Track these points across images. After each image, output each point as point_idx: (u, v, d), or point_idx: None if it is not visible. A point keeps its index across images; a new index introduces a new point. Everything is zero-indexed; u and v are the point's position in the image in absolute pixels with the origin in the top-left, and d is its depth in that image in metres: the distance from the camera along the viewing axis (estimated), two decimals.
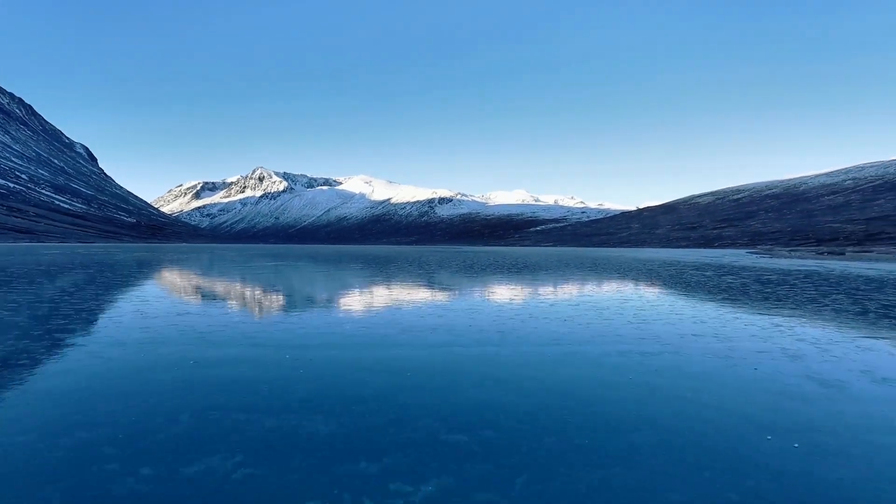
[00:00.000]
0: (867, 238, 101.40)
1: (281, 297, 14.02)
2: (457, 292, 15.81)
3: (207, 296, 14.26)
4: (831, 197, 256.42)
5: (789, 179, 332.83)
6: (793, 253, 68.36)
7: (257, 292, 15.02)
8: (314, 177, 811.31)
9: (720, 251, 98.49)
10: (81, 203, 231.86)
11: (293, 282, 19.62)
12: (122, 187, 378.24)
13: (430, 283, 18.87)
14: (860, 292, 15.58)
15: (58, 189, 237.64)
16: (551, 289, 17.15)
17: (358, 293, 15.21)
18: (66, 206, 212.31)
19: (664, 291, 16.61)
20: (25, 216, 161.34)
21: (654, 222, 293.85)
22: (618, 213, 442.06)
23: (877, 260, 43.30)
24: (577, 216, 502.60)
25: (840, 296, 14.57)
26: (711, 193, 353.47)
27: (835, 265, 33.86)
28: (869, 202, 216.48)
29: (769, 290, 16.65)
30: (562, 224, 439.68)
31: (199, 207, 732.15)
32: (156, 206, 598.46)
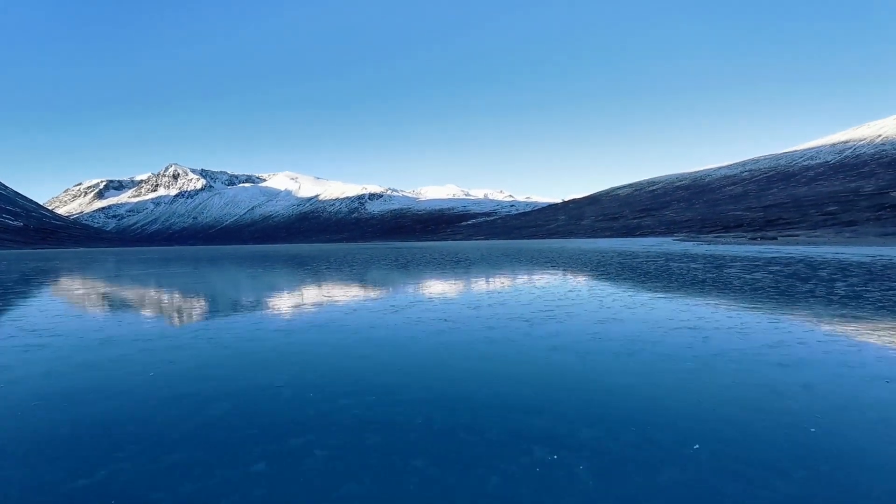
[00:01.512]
0: (767, 224, 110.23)
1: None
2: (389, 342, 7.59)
3: None
4: (732, 187, 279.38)
5: (696, 172, 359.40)
6: (719, 239, 71.03)
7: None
8: (235, 174, 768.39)
9: (651, 239, 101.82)
10: None
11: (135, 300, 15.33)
12: (7, 187, 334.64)
13: (348, 307, 11.50)
14: None
15: None
16: (541, 304, 10.93)
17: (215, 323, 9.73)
18: None
19: (701, 300, 11.11)
20: None
21: (580, 214, 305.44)
22: (545, 205, 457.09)
23: (815, 244, 45.06)
24: (507, 209, 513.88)
25: None
26: (630, 185, 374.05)
27: (790, 250, 34.25)
28: (764, 191, 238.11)
29: (815, 287, 13.07)
30: (492, 217, 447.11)
31: (103, 208, 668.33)
32: (50, 208, 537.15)
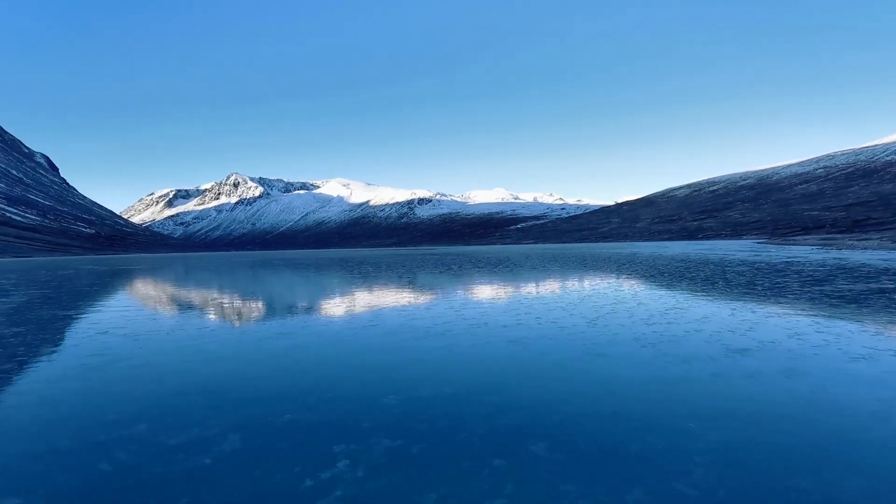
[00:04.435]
0: (854, 225, 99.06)
1: None
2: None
3: None
4: (804, 186, 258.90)
5: (762, 170, 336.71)
6: (830, 242, 59.74)
7: None
8: (291, 181, 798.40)
9: (732, 243, 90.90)
10: (36, 215, 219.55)
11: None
12: (85, 197, 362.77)
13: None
14: None
15: (12, 201, 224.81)
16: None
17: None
18: (18, 218, 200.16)
19: None
20: None
21: (634, 216, 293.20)
22: (597, 208, 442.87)
23: None
24: (557, 213, 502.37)
25: None
26: (687, 186, 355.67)
27: None
28: (842, 189, 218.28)
29: None
30: (542, 221, 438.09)
31: (172, 216, 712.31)
32: (125, 216, 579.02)
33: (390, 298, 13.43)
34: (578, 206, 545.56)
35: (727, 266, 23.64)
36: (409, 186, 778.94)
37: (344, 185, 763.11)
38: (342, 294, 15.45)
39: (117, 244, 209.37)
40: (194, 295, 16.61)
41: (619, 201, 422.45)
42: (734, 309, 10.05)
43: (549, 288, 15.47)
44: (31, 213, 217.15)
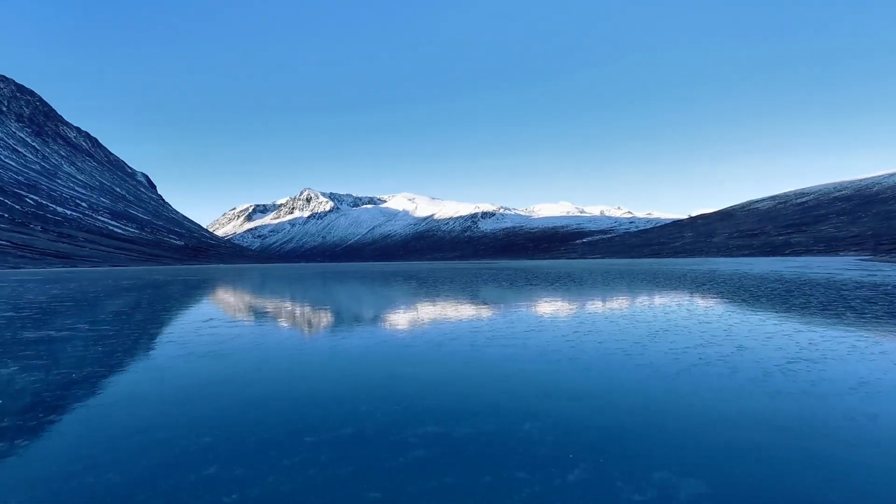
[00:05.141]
0: None
1: None
2: None
3: None
4: None
5: (860, 180, 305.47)
6: None
7: None
8: (359, 196, 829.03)
9: (824, 258, 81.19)
10: (135, 228, 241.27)
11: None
12: (177, 212, 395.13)
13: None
14: None
15: (115, 215, 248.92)
16: None
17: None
18: (120, 231, 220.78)
19: None
20: (73, 242, 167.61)
21: (710, 230, 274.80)
22: (669, 221, 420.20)
23: None
24: (626, 227, 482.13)
25: None
26: (771, 198, 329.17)
27: None
28: None
29: None
30: (609, 235, 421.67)
31: (250, 229, 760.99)
32: (211, 230, 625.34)
33: (402, 326, 11.39)
34: (648, 220, 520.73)
35: (842, 289, 19.58)
36: (472, 200, 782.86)
37: (409, 200, 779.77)
38: (349, 317, 13.81)
39: (201, 255, 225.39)
40: (202, 309, 15.81)
41: (693, 215, 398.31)
42: None
43: (610, 315, 12.79)
44: (131, 227, 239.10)
